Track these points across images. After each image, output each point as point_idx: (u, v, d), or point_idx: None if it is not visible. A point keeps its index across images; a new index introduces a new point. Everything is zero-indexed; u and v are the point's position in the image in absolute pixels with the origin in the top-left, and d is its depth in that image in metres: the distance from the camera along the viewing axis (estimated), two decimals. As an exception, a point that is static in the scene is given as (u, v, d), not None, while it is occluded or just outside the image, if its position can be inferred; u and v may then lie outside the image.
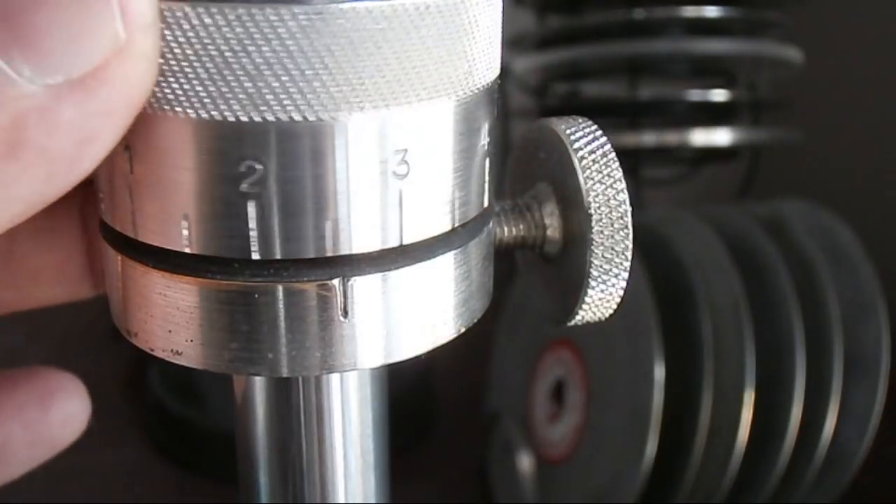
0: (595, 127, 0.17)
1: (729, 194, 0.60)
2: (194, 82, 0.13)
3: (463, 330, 0.17)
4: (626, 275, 0.17)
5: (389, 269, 0.15)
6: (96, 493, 0.45)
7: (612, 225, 0.17)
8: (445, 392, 0.53)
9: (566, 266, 0.18)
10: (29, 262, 0.20)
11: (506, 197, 0.19)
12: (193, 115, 0.13)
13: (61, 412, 0.20)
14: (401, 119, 0.14)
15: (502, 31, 0.16)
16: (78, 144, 0.12)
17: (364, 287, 0.15)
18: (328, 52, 0.13)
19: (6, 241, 0.20)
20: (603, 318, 0.18)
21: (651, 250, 0.39)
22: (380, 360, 0.15)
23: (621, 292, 0.17)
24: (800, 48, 0.50)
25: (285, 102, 0.13)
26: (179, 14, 0.12)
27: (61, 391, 0.20)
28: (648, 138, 0.48)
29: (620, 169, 0.17)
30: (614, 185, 0.17)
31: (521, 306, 0.46)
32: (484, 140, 0.16)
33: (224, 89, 0.13)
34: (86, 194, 0.21)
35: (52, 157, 0.12)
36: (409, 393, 0.48)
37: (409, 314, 0.15)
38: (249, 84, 0.13)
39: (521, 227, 0.18)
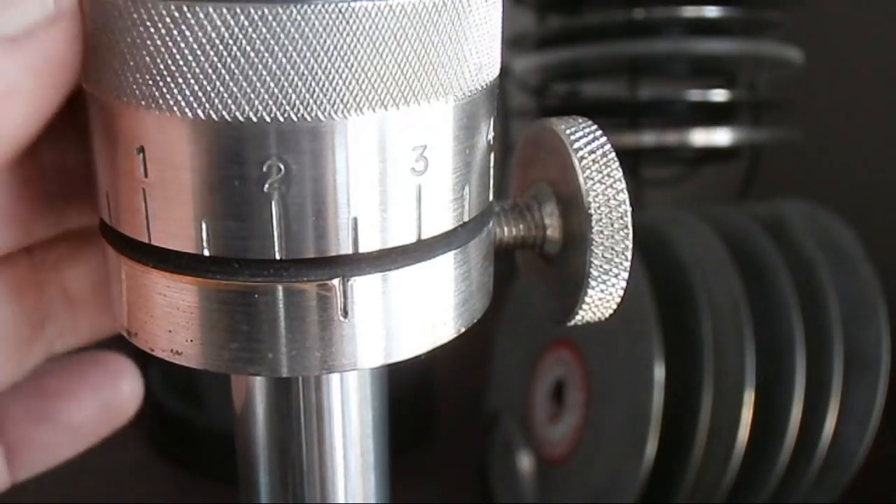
0: (595, 127, 0.17)
1: (729, 194, 0.60)
2: (203, 83, 0.13)
3: (463, 330, 0.17)
4: (626, 275, 0.17)
5: (389, 269, 0.15)
6: (96, 493, 0.45)
7: (612, 225, 0.17)
8: (445, 392, 0.53)
9: (566, 266, 0.18)
10: (86, 307, 0.21)
11: (506, 197, 0.19)
12: (212, 117, 0.13)
13: (128, 388, 0.23)
14: (401, 120, 0.14)
15: (502, 31, 0.16)
16: (4, 96, 0.13)
17: (364, 287, 0.15)
18: (328, 53, 0.13)
19: (66, 289, 0.21)
20: (603, 318, 0.18)
21: (651, 250, 0.39)
22: (380, 360, 0.15)
23: (621, 292, 0.17)
24: (800, 48, 0.50)
25: (290, 102, 0.13)
26: (200, 14, 0.12)
27: (124, 371, 0.22)
28: (648, 138, 0.48)
29: (620, 169, 0.17)
30: (614, 185, 0.17)
31: (521, 306, 0.46)
32: (484, 140, 0.16)
33: (235, 90, 0.13)
34: None
35: None
36: (409, 393, 0.48)
37: (409, 314, 0.15)
38: (255, 84, 0.13)
39: (521, 227, 0.18)
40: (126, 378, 0.23)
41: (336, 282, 0.14)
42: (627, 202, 0.17)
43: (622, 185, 0.17)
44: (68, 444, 0.22)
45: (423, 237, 0.15)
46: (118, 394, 0.22)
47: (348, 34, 0.13)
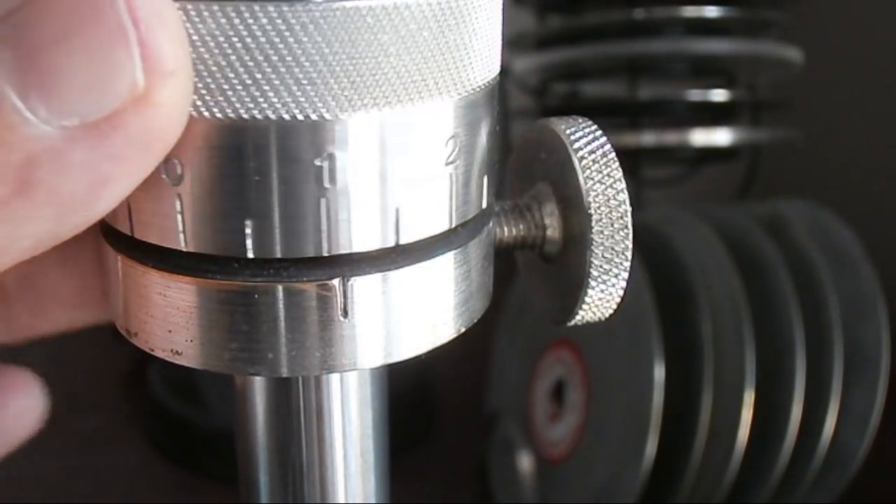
0: (595, 127, 0.17)
1: (729, 194, 0.60)
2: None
3: (463, 330, 0.17)
4: (626, 275, 0.17)
5: (389, 269, 0.15)
6: (96, 493, 0.45)
7: (612, 225, 0.17)
8: (445, 392, 0.53)
9: (566, 266, 0.18)
10: (55, 287, 0.20)
11: (506, 197, 0.19)
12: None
13: (15, 409, 0.20)
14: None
15: (502, 31, 0.16)
16: (90, 187, 0.12)
17: (364, 287, 0.15)
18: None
19: (26, 266, 0.20)
20: (603, 318, 0.18)
21: (651, 250, 0.39)
22: (380, 360, 0.15)
23: (621, 292, 0.17)
24: (800, 48, 0.50)
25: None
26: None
27: (14, 388, 0.21)
28: (648, 138, 0.48)
29: (620, 169, 0.17)
30: (614, 185, 0.17)
31: (521, 306, 0.46)
32: (484, 140, 0.16)
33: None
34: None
35: (63, 198, 0.12)
36: (409, 393, 0.48)
37: (409, 314, 0.15)
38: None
39: (521, 227, 0.18)
40: (16, 396, 0.20)
41: (336, 282, 0.14)
42: (627, 202, 0.17)
43: (622, 185, 0.17)
44: None
45: (423, 237, 0.15)
46: (3, 410, 0.20)
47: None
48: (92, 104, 0.11)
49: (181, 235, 0.14)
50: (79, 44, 0.11)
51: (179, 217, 0.14)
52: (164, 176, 0.14)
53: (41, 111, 0.11)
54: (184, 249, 0.14)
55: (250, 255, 0.14)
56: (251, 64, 0.13)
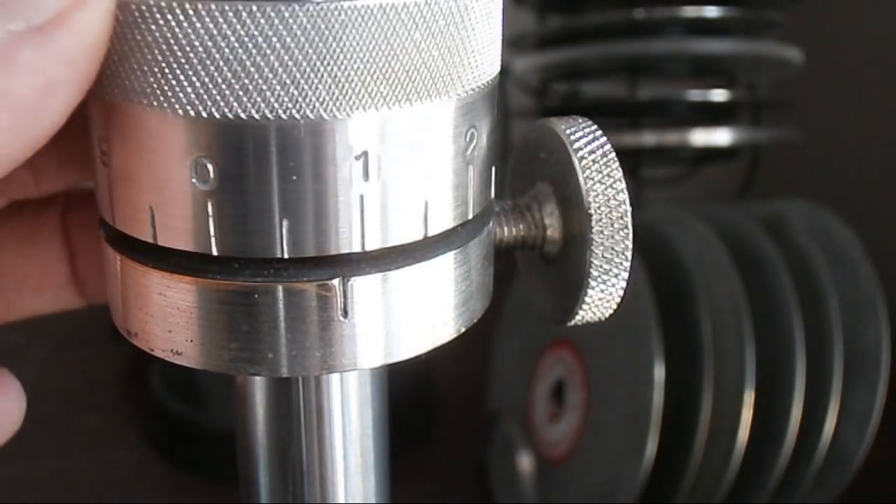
0: (595, 127, 0.17)
1: (729, 194, 0.60)
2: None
3: (463, 330, 0.17)
4: (626, 275, 0.17)
5: (389, 269, 0.15)
6: (96, 493, 0.45)
7: (612, 225, 0.17)
8: (445, 392, 0.53)
9: (566, 266, 0.18)
10: (13, 272, 0.20)
11: (506, 197, 0.19)
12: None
13: None
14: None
15: (502, 31, 0.16)
16: (40, 92, 0.12)
17: (364, 287, 0.15)
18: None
19: None
20: (603, 318, 0.18)
21: (651, 250, 0.39)
22: (380, 360, 0.15)
23: (621, 292, 0.17)
24: (800, 48, 0.50)
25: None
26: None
27: None
28: (648, 138, 0.48)
29: (620, 169, 0.17)
30: (614, 185, 0.17)
31: (521, 306, 0.46)
32: (484, 139, 0.16)
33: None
34: (67, 203, 0.21)
35: (15, 102, 0.12)
36: (409, 393, 0.48)
37: (409, 314, 0.15)
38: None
39: (521, 227, 0.18)
40: None
41: (336, 282, 0.14)
42: (627, 202, 0.17)
43: (622, 185, 0.17)
44: None
45: (424, 236, 0.15)
46: None
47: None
48: (36, 7, 0.12)
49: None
50: None
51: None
52: (184, 178, 0.14)
53: None
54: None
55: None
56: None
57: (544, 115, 0.32)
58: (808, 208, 0.42)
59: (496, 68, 0.16)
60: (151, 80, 0.13)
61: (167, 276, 0.15)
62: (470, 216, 0.16)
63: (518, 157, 0.19)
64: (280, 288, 0.14)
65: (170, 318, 0.15)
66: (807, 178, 0.63)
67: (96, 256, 0.18)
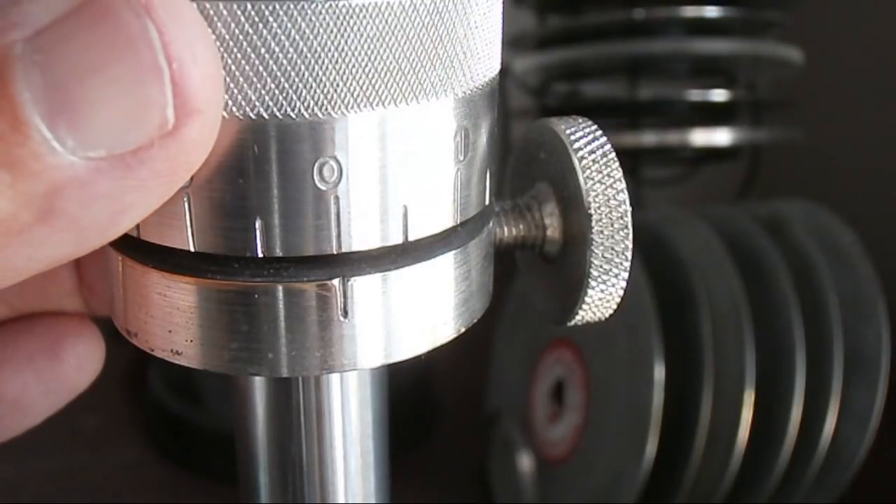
0: (595, 127, 0.17)
1: (729, 194, 0.60)
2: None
3: (463, 330, 0.17)
4: (626, 275, 0.17)
5: (389, 269, 0.15)
6: (96, 493, 0.45)
7: (612, 225, 0.17)
8: (445, 392, 0.53)
9: (566, 266, 0.18)
10: None
11: (506, 197, 0.19)
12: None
13: (74, 357, 0.20)
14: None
15: (502, 31, 0.16)
16: (111, 216, 0.12)
17: (364, 287, 0.15)
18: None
19: None
20: (603, 318, 0.18)
21: (651, 250, 0.39)
22: (379, 360, 0.15)
23: (621, 292, 0.17)
24: (800, 48, 0.50)
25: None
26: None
27: (71, 335, 0.20)
28: (648, 138, 0.48)
29: (620, 169, 0.17)
30: (614, 185, 0.17)
31: (521, 306, 0.46)
32: (484, 139, 0.16)
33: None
34: None
35: (84, 226, 0.12)
36: (409, 393, 0.48)
37: (409, 314, 0.15)
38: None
39: (521, 227, 0.18)
40: (71, 345, 0.20)
41: (336, 282, 0.14)
42: (627, 202, 0.17)
43: (622, 185, 0.17)
44: (10, 419, 0.19)
45: (424, 236, 0.15)
46: (59, 360, 0.20)
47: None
48: (120, 138, 0.11)
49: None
50: (112, 77, 0.11)
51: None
52: None
53: (69, 141, 0.11)
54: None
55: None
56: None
57: (544, 115, 0.32)
58: (808, 208, 0.42)
59: (496, 68, 0.16)
60: None
61: (167, 276, 0.15)
62: (470, 216, 0.16)
63: (518, 157, 0.19)
64: (280, 288, 0.14)
65: (170, 318, 0.15)
66: (807, 178, 0.63)
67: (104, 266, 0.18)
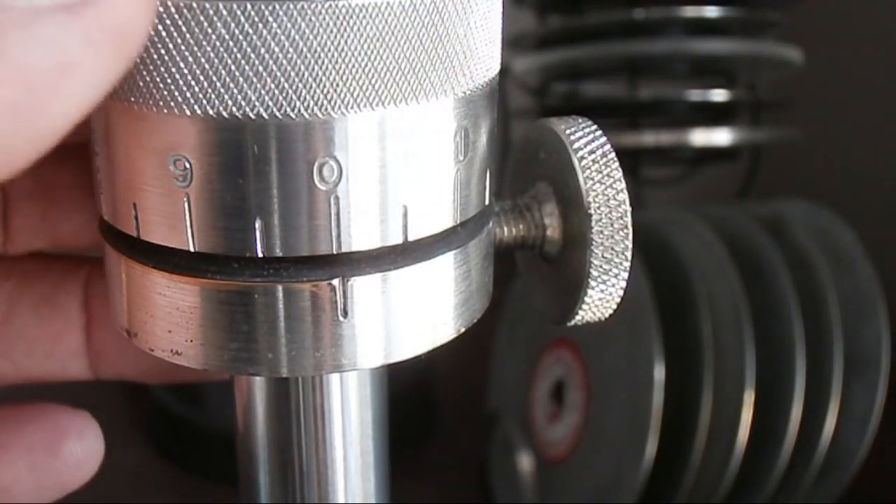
0: (595, 127, 0.17)
1: (729, 194, 0.60)
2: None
3: (463, 330, 0.17)
4: (626, 275, 0.17)
5: (389, 269, 0.15)
6: (96, 493, 0.45)
7: (612, 225, 0.17)
8: (445, 392, 0.53)
9: (566, 266, 0.18)
10: (26, 332, 0.19)
11: (506, 197, 0.19)
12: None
13: (72, 455, 0.19)
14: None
15: (502, 31, 0.16)
16: (55, 69, 0.12)
17: (364, 287, 0.15)
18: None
19: (5, 307, 0.19)
20: (603, 318, 0.18)
21: (651, 250, 0.39)
22: (379, 361, 0.15)
23: (621, 292, 0.17)
24: (800, 48, 0.50)
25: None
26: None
27: (73, 432, 0.19)
28: (648, 138, 0.48)
29: (620, 169, 0.17)
30: (614, 185, 0.17)
31: (521, 306, 0.46)
32: (483, 139, 0.16)
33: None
34: (91, 271, 0.20)
35: (25, 76, 0.11)
36: (409, 393, 0.48)
37: (409, 314, 0.15)
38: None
39: (521, 227, 0.18)
40: (73, 444, 0.19)
41: (336, 282, 0.14)
42: (627, 202, 0.17)
43: (622, 185, 0.17)
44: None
45: (424, 236, 0.15)
46: (57, 458, 0.19)
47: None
48: None
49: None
50: None
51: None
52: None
53: None
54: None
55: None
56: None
57: (544, 115, 0.32)
58: (808, 208, 0.42)
59: (496, 68, 0.16)
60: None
61: (167, 276, 0.15)
62: (470, 216, 0.16)
63: (518, 157, 0.19)
64: (280, 288, 0.14)
65: (170, 318, 0.15)
66: (807, 178, 0.63)
67: (113, 331, 0.18)
